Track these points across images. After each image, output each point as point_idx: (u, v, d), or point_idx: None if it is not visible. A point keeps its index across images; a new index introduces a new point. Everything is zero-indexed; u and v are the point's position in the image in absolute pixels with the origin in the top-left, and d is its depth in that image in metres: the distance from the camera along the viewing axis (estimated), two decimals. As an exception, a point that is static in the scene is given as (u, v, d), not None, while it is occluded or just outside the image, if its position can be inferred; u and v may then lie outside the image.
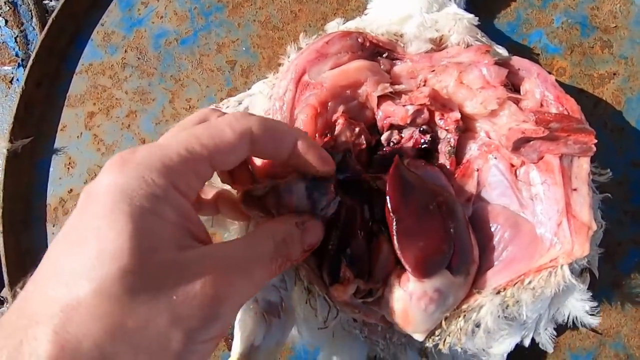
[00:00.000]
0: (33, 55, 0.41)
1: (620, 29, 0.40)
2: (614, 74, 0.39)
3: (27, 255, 0.41)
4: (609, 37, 0.40)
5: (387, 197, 0.28)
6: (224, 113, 0.24)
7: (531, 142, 0.29)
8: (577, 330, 0.37)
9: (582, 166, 0.29)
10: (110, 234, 0.18)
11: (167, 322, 0.18)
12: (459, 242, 0.29)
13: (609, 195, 0.36)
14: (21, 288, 0.19)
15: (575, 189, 0.28)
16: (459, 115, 0.31)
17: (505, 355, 0.33)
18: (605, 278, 0.37)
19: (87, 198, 0.19)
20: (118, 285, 0.17)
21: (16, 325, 0.17)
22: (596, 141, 0.28)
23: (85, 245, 0.18)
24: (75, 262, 0.18)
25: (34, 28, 0.47)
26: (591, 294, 0.34)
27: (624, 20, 0.40)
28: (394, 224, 0.28)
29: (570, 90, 0.40)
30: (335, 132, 0.32)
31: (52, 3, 1.26)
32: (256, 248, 0.22)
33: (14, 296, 0.40)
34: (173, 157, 0.20)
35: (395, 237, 0.28)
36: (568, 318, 0.31)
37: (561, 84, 0.40)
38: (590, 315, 0.30)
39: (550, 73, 0.40)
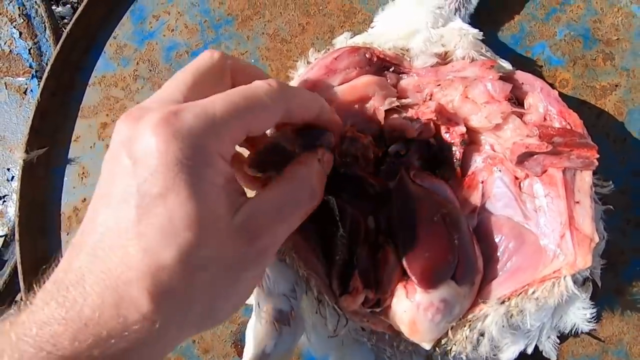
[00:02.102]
0: (48, 68, 0.42)
1: (622, 42, 0.40)
2: (616, 86, 0.40)
3: (42, 261, 0.42)
4: (611, 49, 0.41)
5: (393, 209, 0.29)
6: (229, 57, 0.25)
7: (535, 156, 0.30)
8: (580, 337, 0.38)
9: (585, 179, 0.29)
10: (176, 203, 0.19)
11: (230, 274, 0.21)
12: (463, 252, 0.30)
13: (611, 207, 0.37)
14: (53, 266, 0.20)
15: (578, 202, 0.29)
16: (464, 129, 0.32)
17: (509, 363, 0.33)
18: (608, 286, 0.38)
19: (136, 160, 0.19)
20: (195, 250, 0.19)
21: (106, 292, 0.19)
22: (598, 156, 0.29)
23: (153, 213, 0.19)
24: (149, 230, 0.19)
25: (47, 40, 0.48)
26: (594, 302, 0.35)
27: (626, 33, 0.40)
28: (400, 235, 0.29)
29: (573, 101, 0.40)
30: (344, 146, 0.33)
31: (59, 9, 1.27)
32: (296, 194, 0.24)
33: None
34: (220, 125, 0.20)
35: (401, 249, 0.29)
36: (571, 327, 0.32)
37: (564, 96, 0.41)
38: (590, 323, 0.31)
39: (553, 85, 0.41)
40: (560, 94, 0.40)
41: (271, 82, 0.23)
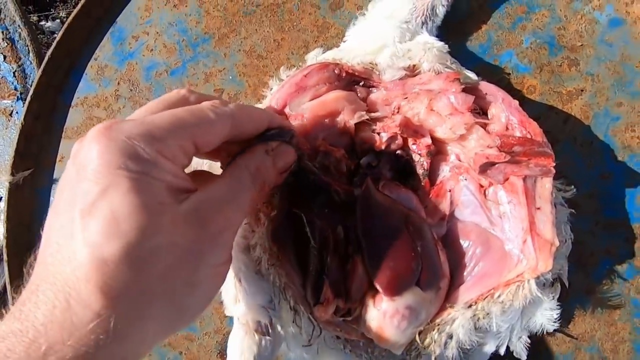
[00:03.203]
0: (31, 91, 0.43)
1: (586, 48, 0.42)
2: (582, 91, 0.41)
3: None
4: (575, 55, 0.42)
5: (357, 217, 0.30)
6: (194, 92, 0.26)
7: (496, 165, 0.31)
8: (553, 336, 0.39)
9: (545, 186, 0.31)
10: (118, 195, 0.19)
11: (185, 258, 0.21)
12: (427, 259, 0.31)
13: (580, 207, 0.39)
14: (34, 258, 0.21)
15: (539, 208, 0.30)
16: (429, 141, 0.33)
17: (483, 364, 0.35)
18: (579, 286, 0.39)
19: (79, 167, 0.20)
20: (141, 237, 0.19)
21: (55, 289, 0.19)
22: (554, 164, 0.30)
23: (96, 207, 0.19)
24: (92, 225, 0.19)
25: (31, 62, 0.50)
26: (566, 302, 0.36)
27: (590, 39, 0.42)
28: (365, 244, 0.30)
29: (540, 107, 0.42)
30: (318, 159, 0.34)
31: (49, 24, 1.27)
32: (236, 181, 0.24)
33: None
34: (161, 130, 0.21)
35: (366, 258, 0.30)
36: (540, 327, 0.33)
37: (532, 102, 0.42)
38: (555, 323, 0.32)
39: (521, 91, 0.42)
40: (528, 100, 0.42)
41: (216, 101, 0.25)
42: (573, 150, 0.41)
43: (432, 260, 0.31)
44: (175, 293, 0.21)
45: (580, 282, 0.39)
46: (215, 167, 0.30)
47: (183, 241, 0.21)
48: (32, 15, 1.19)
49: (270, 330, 0.34)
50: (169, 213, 0.20)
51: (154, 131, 0.21)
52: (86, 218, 0.19)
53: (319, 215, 0.30)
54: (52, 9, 1.27)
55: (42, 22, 1.26)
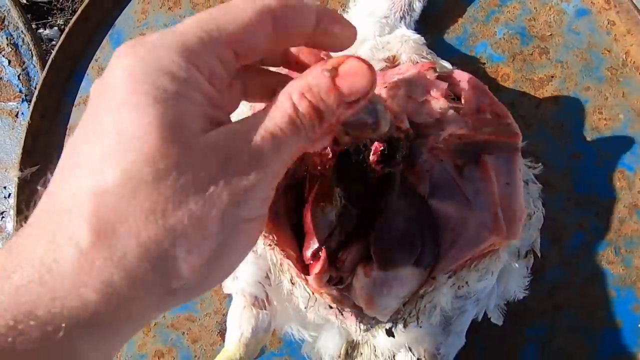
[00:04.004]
0: (36, 92, 0.46)
1: (555, 37, 0.45)
2: (552, 77, 0.44)
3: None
4: (545, 44, 0.45)
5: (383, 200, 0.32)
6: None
7: (468, 145, 0.34)
8: (532, 306, 0.42)
9: (514, 163, 0.33)
10: (132, 116, 0.16)
11: (199, 204, 0.16)
12: (428, 244, 0.33)
13: (554, 185, 0.41)
14: (43, 186, 0.18)
15: (507, 183, 0.33)
16: (407, 125, 0.36)
17: (464, 331, 0.37)
18: (554, 259, 0.42)
19: (101, 88, 0.18)
20: (146, 168, 0.16)
21: (47, 220, 0.16)
22: (520, 141, 0.33)
23: (106, 130, 0.16)
24: (96, 149, 0.16)
25: (34, 66, 0.52)
26: (540, 275, 0.39)
27: (558, 29, 0.45)
28: (376, 226, 0.32)
29: (514, 93, 0.45)
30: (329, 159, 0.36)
31: (47, 32, 1.31)
32: (274, 111, 0.18)
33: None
34: (191, 37, 0.18)
35: (373, 236, 0.32)
36: (513, 295, 0.36)
37: (506, 89, 0.45)
38: (525, 290, 0.35)
39: (495, 79, 0.45)
40: (503, 88, 0.45)
41: None
42: (545, 133, 0.44)
43: (430, 244, 0.34)
44: (182, 241, 0.16)
45: (555, 255, 0.42)
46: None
47: (199, 180, 0.16)
48: (31, 23, 1.22)
49: (267, 305, 0.36)
50: (192, 139, 0.17)
51: (186, 38, 0.17)
52: (91, 140, 0.16)
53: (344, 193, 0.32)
54: (49, 17, 1.30)
55: (40, 30, 1.29)
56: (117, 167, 0.16)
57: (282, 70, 0.24)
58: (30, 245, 0.16)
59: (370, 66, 0.20)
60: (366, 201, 0.32)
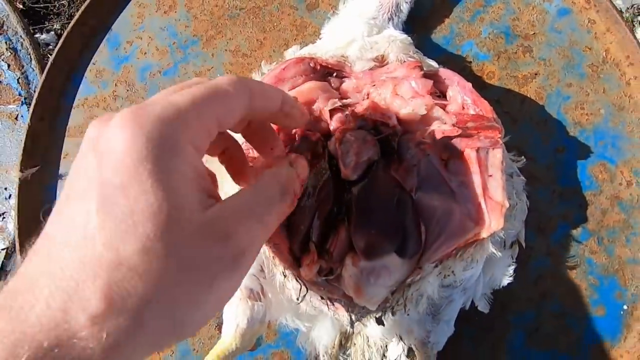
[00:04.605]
0: (35, 95, 0.47)
1: (538, 35, 0.46)
2: (536, 74, 0.46)
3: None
4: (529, 42, 0.46)
5: (352, 192, 0.34)
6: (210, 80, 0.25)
7: (453, 140, 0.35)
8: (519, 295, 0.43)
9: (496, 156, 0.35)
10: (139, 193, 0.17)
11: (198, 280, 0.18)
12: (410, 234, 0.35)
13: (539, 178, 0.43)
14: (44, 217, 0.19)
15: (490, 175, 0.34)
16: (395, 121, 0.37)
17: (453, 320, 0.39)
18: (539, 249, 0.44)
19: (101, 154, 0.18)
20: (159, 243, 0.17)
21: (56, 284, 0.17)
22: (501, 136, 0.34)
23: (114, 204, 0.17)
24: (109, 222, 0.17)
25: (33, 69, 0.54)
26: (526, 265, 0.40)
27: (541, 28, 0.46)
28: (355, 214, 0.34)
29: (499, 90, 0.46)
30: (296, 143, 0.38)
31: (44, 36, 1.32)
32: (266, 193, 0.23)
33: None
34: (188, 113, 0.19)
35: (353, 225, 0.34)
36: (499, 284, 0.37)
37: (492, 86, 0.46)
38: (510, 278, 0.36)
39: (481, 77, 0.47)
40: (488, 85, 0.46)
41: (231, 75, 0.23)
42: (530, 128, 0.45)
43: (414, 235, 0.35)
44: (180, 309, 0.19)
45: (540, 245, 0.43)
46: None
47: (201, 254, 0.18)
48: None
49: (262, 297, 0.38)
50: (191, 219, 0.18)
51: (182, 112, 0.19)
52: (102, 214, 0.17)
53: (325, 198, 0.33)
54: (46, 22, 1.31)
55: (37, 35, 1.30)
56: (134, 242, 0.17)
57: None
58: (40, 319, 0.17)
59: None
60: (343, 194, 0.34)
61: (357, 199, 0.34)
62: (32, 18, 1.29)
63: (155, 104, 0.19)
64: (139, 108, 0.19)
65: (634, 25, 1.29)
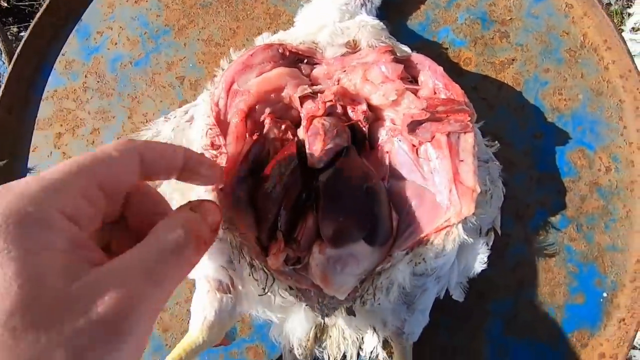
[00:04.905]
0: (3, 86, 0.46)
1: (515, 21, 0.45)
2: (513, 60, 0.45)
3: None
4: (506, 28, 0.46)
5: (320, 180, 0.33)
6: None
7: (423, 124, 0.34)
8: (497, 283, 0.42)
9: (468, 141, 0.34)
10: None
11: (66, 357, 0.16)
12: (380, 221, 0.34)
13: (516, 164, 0.42)
14: None
15: (462, 160, 0.34)
16: (365, 107, 0.36)
17: (428, 309, 0.38)
18: (517, 237, 0.43)
19: None
20: (2, 329, 0.16)
21: None
22: (470, 119, 0.34)
23: None
24: None
25: (3, 62, 0.52)
26: (503, 252, 0.39)
27: (518, 13, 0.45)
28: (323, 201, 0.33)
29: (476, 77, 0.45)
30: (264, 130, 0.37)
31: (20, 32, 1.30)
32: (157, 245, 0.20)
33: None
34: (55, 182, 0.19)
35: (320, 212, 0.33)
36: (473, 272, 0.36)
37: (468, 73, 0.46)
38: (484, 264, 0.35)
39: (458, 64, 0.46)
40: (465, 72, 0.46)
41: (122, 139, 0.22)
42: (508, 114, 0.44)
43: (384, 222, 0.34)
44: None
45: (518, 233, 0.43)
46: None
47: (66, 333, 0.16)
48: (11, 26, 1.21)
49: (231, 289, 0.37)
50: (55, 294, 0.17)
51: (50, 183, 0.18)
52: None
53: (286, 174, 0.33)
54: (31, 20, 1.29)
55: (22, 34, 1.29)
56: None
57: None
58: None
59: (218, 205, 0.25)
60: (312, 180, 0.33)
61: (324, 185, 0.33)
62: (17, 16, 1.27)
63: (25, 180, 0.19)
64: (3, 187, 0.19)
65: (623, 17, 1.28)
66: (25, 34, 0.47)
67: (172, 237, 0.21)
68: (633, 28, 1.25)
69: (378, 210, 0.33)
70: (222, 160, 0.35)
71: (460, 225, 0.33)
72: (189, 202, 0.24)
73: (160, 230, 0.21)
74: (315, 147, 0.33)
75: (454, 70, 0.45)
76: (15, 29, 1.24)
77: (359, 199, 0.33)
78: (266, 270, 0.34)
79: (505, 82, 0.45)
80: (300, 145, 0.36)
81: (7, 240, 0.17)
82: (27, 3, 1.29)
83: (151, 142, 0.24)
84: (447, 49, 0.46)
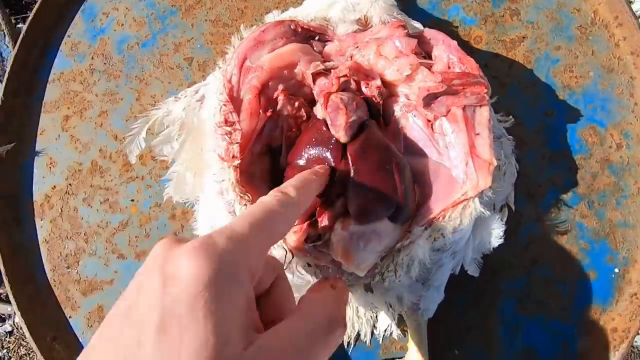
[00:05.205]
0: (8, 69, 0.46)
1: (526, -2, 0.45)
2: (524, 38, 0.45)
3: (20, 249, 0.45)
4: (516, 5, 0.45)
5: (349, 154, 0.32)
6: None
7: (439, 98, 0.34)
8: (509, 262, 0.42)
9: (483, 114, 0.34)
10: (191, 325, 0.18)
11: None
12: (404, 199, 0.34)
13: (527, 143, 0.42)
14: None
15: (478, 134, 0.34)
16: (379, 82, 0.36)
17: (443, 285, 0.38)
18: (529, 215, 0.43)
19: (168, 277, 0.19)
20: None
21: None
22: (486, 90, 0.33)
23: (168, 331, 0.18)
24: (164, 344, 0.18)
25: (7, 46, 0.52)
26: (516, 231, 0.39)
27: (528, -10, 0.45)
28: (351, 178, 0.32)
29: (487, 55, 0.45)
30: (278, 107, 0.37)
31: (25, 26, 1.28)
32: (313, 327, 0.21)
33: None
34: (247, 242, 0.21)
35: (349, 188, 0.32)
36: (488, 247, 0.36)
37: (479, 51, 0.45)
38: (500, 239, 0.35)
39: (468, 42, 0.46)
40: (476, 50, 0.45)
41: (280, 191, 0.25)
42: (519, 92, 0.44)
43: (408, 201, 0.34)
44: None
45: (530, 211, 0.43)
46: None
47: None
48: (10, 17, 1.20)
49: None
50: (233, 357, 0.18)
51: (244, 242, 0.20)
52: (157, 342, 0.18)
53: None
54: (28, 11, 1.28)
55: (20, 25, 1.27)
56: None
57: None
58: None
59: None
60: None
61: (354, 159, 0.32)
62: (14, 7, 1.25)
63: (222, 234, 0.21)
64: (208, 238, 0.20)
65: None
66: (30, 15, 0.46)
67: (324, 323, 0.22)
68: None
69: (404, 188, 0.33)
70: (237, 137, 0.34)
71: (477, 199, 0.33)
72: (329, 278, 0.27)
73: (314, 310, 0.22)
74: (339, 121, 0.33)
75: (464, 49, 0.44)
76: (12, 20, 1.22)
77: (389, 175, 0.33)
78: (284, 247, 0.34)
79: (516, 60, 0.45)
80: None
81: (206, 291, 0.18)
82: (23, -6, 1.27)
83: (301, 187, 0.26)
84: (457, 27, 0.46)
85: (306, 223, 0.33)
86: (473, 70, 0.35)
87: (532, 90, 0.44)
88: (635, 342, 1.11)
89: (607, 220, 0.42)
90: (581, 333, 0.41)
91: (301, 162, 0.34)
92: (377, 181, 0.32)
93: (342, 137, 0.33)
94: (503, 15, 0.45)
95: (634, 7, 1.26)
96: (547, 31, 0.45)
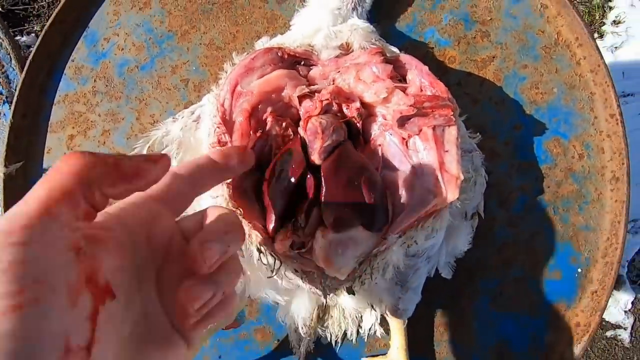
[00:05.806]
0: (16, 93, 0.49)
1: (495, 21, 0.49)
2: (494, 57, 0.49)
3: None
4: (486, 28, 0.49)
5: (322, 172, 0.36)
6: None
7: (411, 119, 0.38)
8: (484, 263, 0.46)
9: (452, 133, 0.38)
10: None
11: None
12: (377, 209, 0.37)
13: (499, 154, 0.46)
14: None
15: (447, 151, 0.37)
16: (359, 104, 0.40)
17: (420, 287, 0.42)
18: (501, 220, 0.47)
19: None
20: None
21: None
22: (452, 113, 0.37)
23: None
24: None
25: (13, 69, 0.55)
26: (489, 234, 0.43)
27: (497, 14, 0.49)
28: (324, 190, 0.36)
29: (460, 74, 0.49)
30: (267, 128, 0.40)
31: (24, 38, 1.32)
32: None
33: None
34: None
35: (323, 200, 0.36)
36: (460, 253, 0.40)
37: (453, 70, 0.49)
38: (469, 245, 0.39)
39: (443, 62, 0.49)
40: (450, 69, 0.49)
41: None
42: (490, 108, 0.48)
43: (381, 209, 0.38)
44: None
45: (502, 216, 0.47)
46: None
47: None
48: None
49: (241, 275, 0.40)
50: None
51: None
52: None
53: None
54: (26, 24, 1.30)
55: (18, 37, 1.30)
56: None
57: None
58: None
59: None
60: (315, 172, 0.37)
61: (326, 174, 0.36)
62: (12, 20, 1.28)
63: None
64: None
65: (604, 11, 1.33)
66: (37, 41, 0.50)
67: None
68: (614, 21, 1.29)
69: (376, 198, 0.37)
70: (230, 156, 0.38)
71: (447, 210, 0.37)
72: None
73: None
74: (315, 145, 0.37)
75: (439, 68, 0.49)
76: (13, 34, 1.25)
77: (358, 188, 0.37)
78: (274, 255, 0.37)
79: (487, 78, 0.49)
80: (304, 140, 0.40)
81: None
82: (21, 7, 1.30)
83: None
84: (433, 48, 0.49)
85: (290, 230, 0.36)
86: (442, 93, 0.38)
87: (502, 105, 0.48)
88: (619, 335, 1.16)
89: (570, 224, 0.46)
90: (549, 327, 0.45)
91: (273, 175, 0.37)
92: (347, 194, 0.36)
93: (317, 159, 0.37)
94: (475, 37, 0.49)
95: (614, 13, 1.30)
96: (515, 51, 0.49)
